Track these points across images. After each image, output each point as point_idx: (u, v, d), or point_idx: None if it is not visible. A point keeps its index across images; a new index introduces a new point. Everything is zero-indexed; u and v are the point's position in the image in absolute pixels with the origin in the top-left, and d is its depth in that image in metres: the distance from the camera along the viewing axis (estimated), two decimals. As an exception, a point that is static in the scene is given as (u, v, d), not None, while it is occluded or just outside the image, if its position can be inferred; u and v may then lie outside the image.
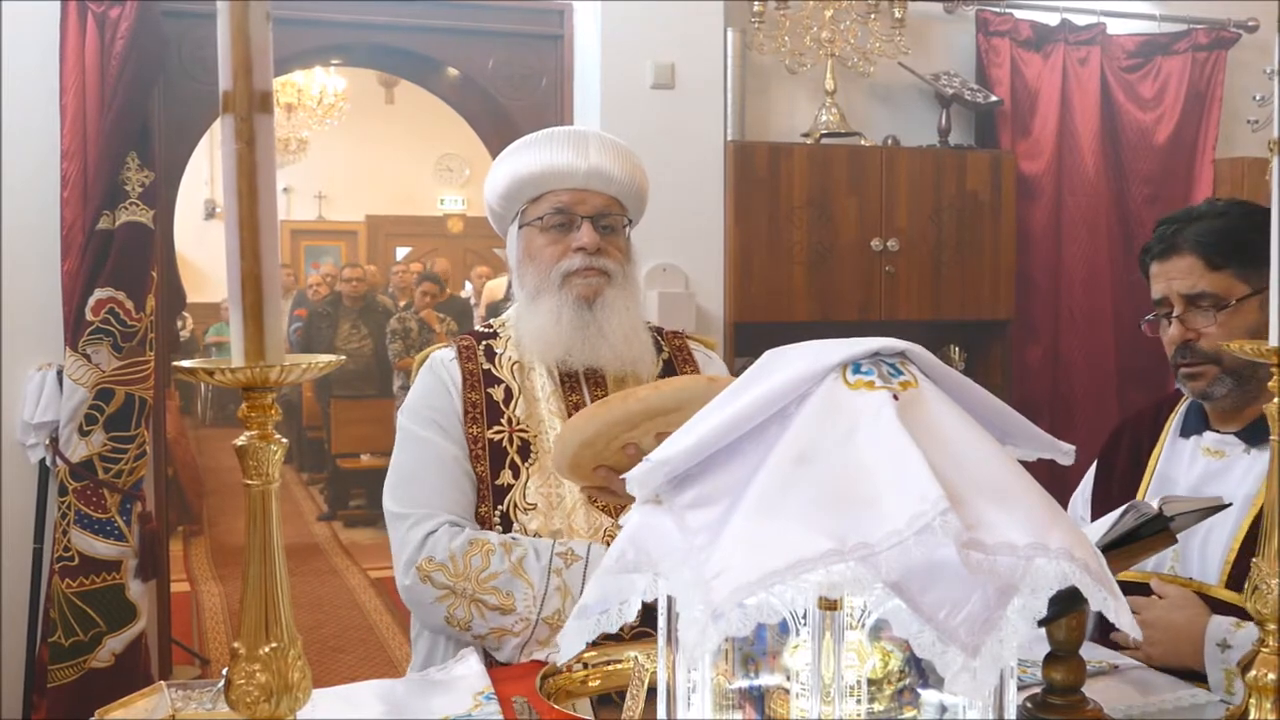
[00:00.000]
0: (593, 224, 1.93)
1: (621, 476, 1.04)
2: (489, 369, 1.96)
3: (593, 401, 1.95)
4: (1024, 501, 0.91)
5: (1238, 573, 1.72)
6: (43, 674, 3.21)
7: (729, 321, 3.85)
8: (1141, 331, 1.98)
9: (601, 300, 1.91)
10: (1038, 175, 4.33)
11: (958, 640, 0.85)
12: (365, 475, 7.16)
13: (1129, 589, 1.79)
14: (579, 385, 1.97)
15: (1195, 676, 1.71)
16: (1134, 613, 1.76)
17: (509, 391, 1.94)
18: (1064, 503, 0.92)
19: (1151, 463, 1.96)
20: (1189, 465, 1.91)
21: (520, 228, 1.99)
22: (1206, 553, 1.80)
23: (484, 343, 2.00)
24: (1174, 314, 1.87)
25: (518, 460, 1.89)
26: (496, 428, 1.90)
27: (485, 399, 1.93)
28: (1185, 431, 1.94)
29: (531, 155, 1.96)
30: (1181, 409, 1.98)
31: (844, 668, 0.90)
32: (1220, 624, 1.69)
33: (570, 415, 1.92)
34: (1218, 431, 1.90)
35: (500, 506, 1.85)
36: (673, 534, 0.95)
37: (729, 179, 3.84)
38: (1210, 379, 1.84)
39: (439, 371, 1.96)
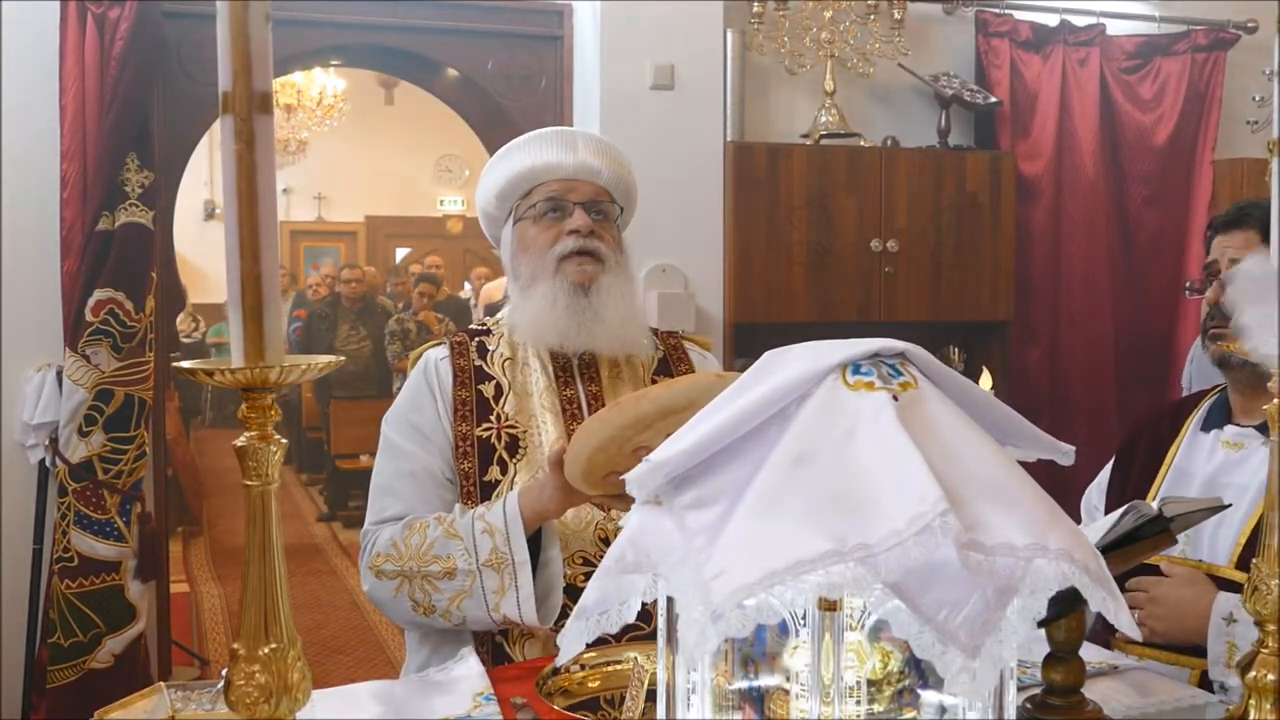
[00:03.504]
0: (584, 210, 1.95)
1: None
2: (480, 365, 1.97)
3: (587, 396, 1.96)
4: (1023, 502, 0.91)
5: (1249, 555, 1.75)
6: (42, 675, 3.21)
7: (728, 322, 3.85)
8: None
9: (596, 286, 1.92)
10: (1037, 176, 4.33)
11: (957, 641, 0.85)
12: (365, 476, 7.08)
13: (1139, 569, 1.82)
14: (573, 379, 1.98)
15: (1197, 653, 1.73)
16: (1142, 590, 1.80)
17: (499, 388, 1.95)
18: (1064, 503, 0.92)
19: (1169, 456, 1.99)
20: (1207, 458, 1.94)
21: (514, 224, 2.01)
22: (1218, 536, 1.83)
23: (477, 339, 2.01)
24: (1220, 278, 1.92)
25: (505, 456, 1.89)
26: (485, 424, 1.91)
27: (475, 396, 1.94)
28: (1207, 426, 1.98)
29: (521, 154, 1.99)
30: (1205, 405, 2.02)
31: (844, 669, 0.89)
32: (1228, 599, 1.72)
33: (564, 410, 1.93)
34: (1239, 425, 1.93)
35: (487, 502, 1.86)
36: (672, 535, 0.95)
37: (728, 180, 3.84)
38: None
39: (429, 374, 1.96)
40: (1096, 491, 2.13)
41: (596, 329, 1.91)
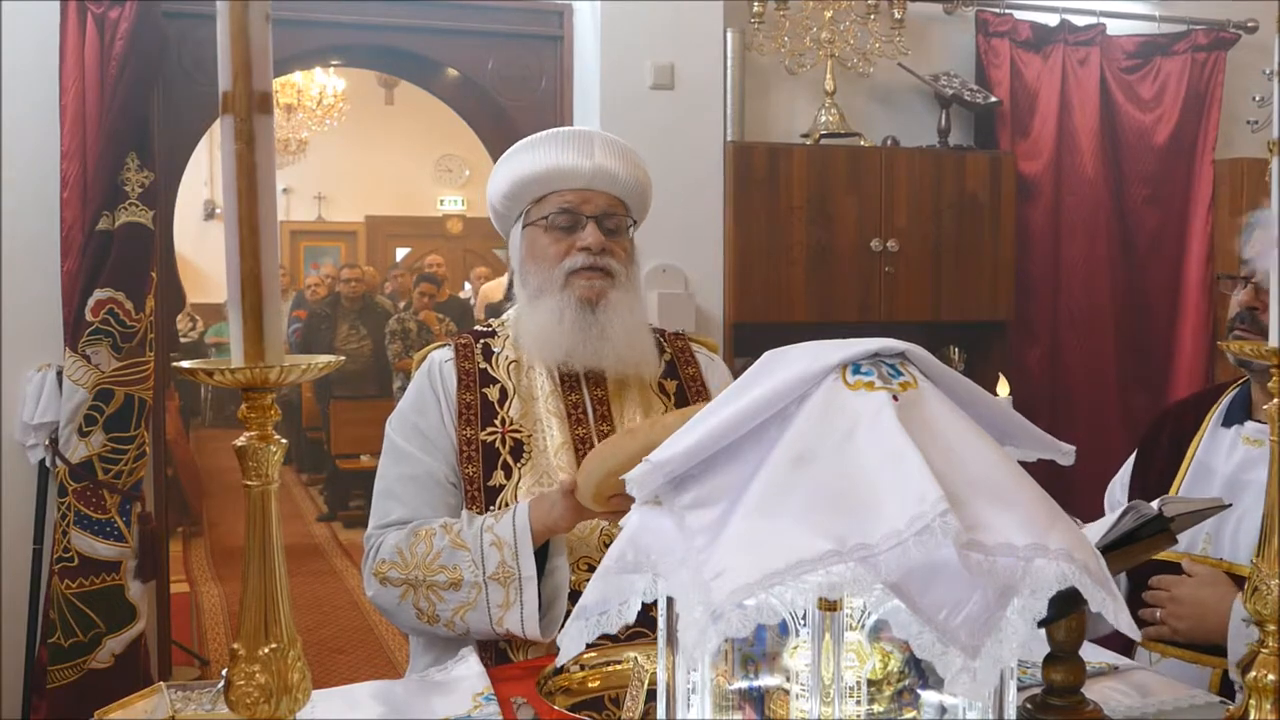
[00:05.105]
0: (597, 224, 1.92)
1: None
2: (485, 368, 1.96)
3: (592, 401, 1.95)
4: (1023, 502, 0.91)
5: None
6: (42, 675, 3.20)
7: (728, 322, 3.85)
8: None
9: (605, 302, 1.91)
10: (1037, 176, 4.33)
11: (958, 641, 0.85)
12: (365, 476, 7.14)
13: (1160, 568, 1.82)
14: (579, 385, 1.96)
15: (1217, 652, 1.73)
16: (1164, 590, 1.81)
17: (504, 391, 1.94)
18: (1064, 503, 0.93)
19: (1191, 451, 1.99)
20: (1228, 454, 1.94)
21: (524, 227, 1.98)
22: (1239, 536, 1.84)
23: (482, 341, 2.00)
24: (1253, 279, 1.91)
25: (510, 461, 1.88)
26: (490, 429, 1.90)
27: (480, 399, 1.92)
28: (1228, 421, 1.98)
29: (536, 155, 1.95)
30: (1225, 400, 2.02)
31: (844, 669, 0.89)
32: None
33: (569, 415, 1.92)
34: (1260, 421, 1.92)
35: (492, 507, 1.85)
36: (672, 535, 0.95)
37: (728, 180, 3.84)
38: None
39: (433, 377, 1.95)
40: (1120, 486, 2.13)
41: (603, 347, 1.90)
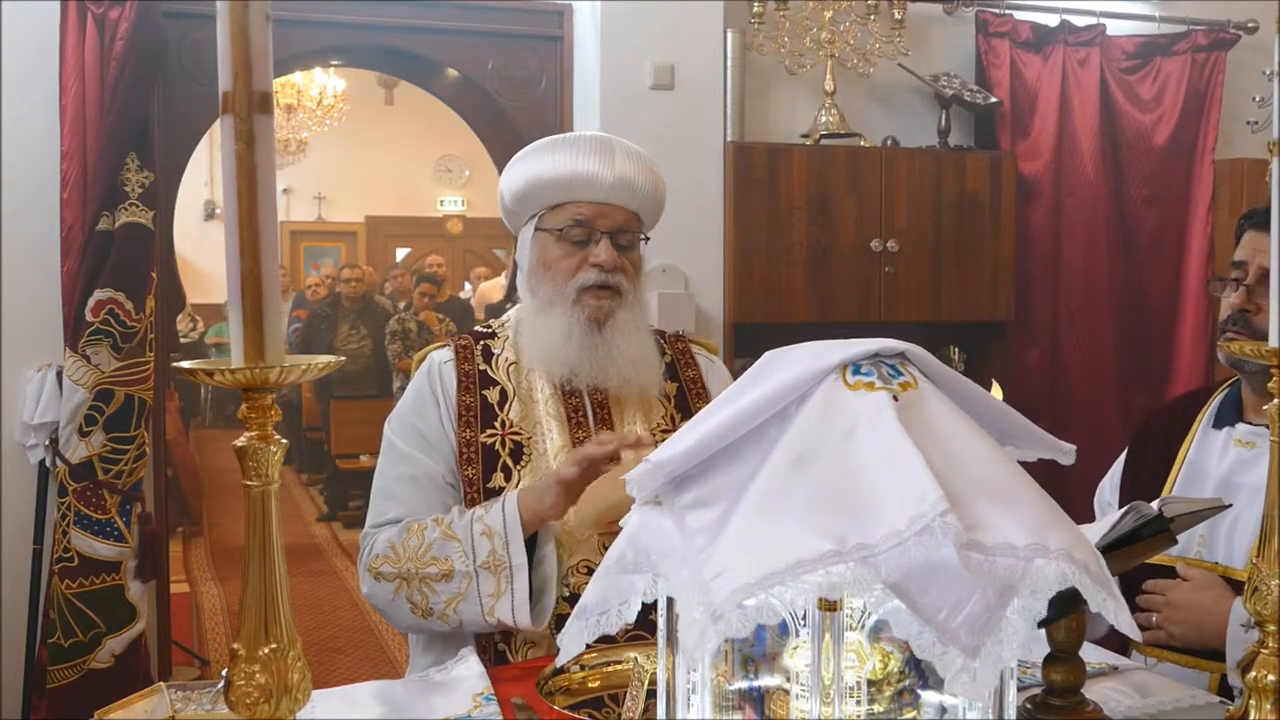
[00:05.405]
0: (610, 239, 1.91)
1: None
2: (485, 370, 1.96)
3: (592, 403, 1.95)
4: (1023, 502, 0.91)
5: None
6: (42, 675, 3.21)
7: (728, 322, 3.85)
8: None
9: (612, 322, 1.91)
10: (1037, 176, 4.33)
11: (958, 641, 0.85)
12: (365, 476, 7.10)
13: (1155, 572, 1.82)
14: (579, 389, 1.96)
15: (1214, 657, 1.72)
16: (1159, 594, 1.80)
17: (504, 393, 1.93)
18: (1063, 503, 0.93)
19: (1182, 453, 1.99)
20: (1220, 456, 1.93)
21: (536, 230, 1.96)
22: (1234, 538, 1.83)
23: (482, 342, 2.00)
24: (1245, 282, 1.90)
25: (510, 463, 1.88)
26: (490, 431, 1.90)
27: (480, 401, 1.92)
28: (1218, 423, 1.97)
29: (556, 159, 1.92)
30: (1215, 402, 2.01)
31: (844, 669, 0.89)
32: None
33: (569, 419, 1.92)
34: (1251, 423, 1.91)
35: (487, 503, 1.85)
36: (672, 535, 0.95)
37: (728, 180, 3.84)
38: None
39: (432, 378, 1.95)
40: (1110, 487, 2.12)
41: (609, 366, 1.90)
